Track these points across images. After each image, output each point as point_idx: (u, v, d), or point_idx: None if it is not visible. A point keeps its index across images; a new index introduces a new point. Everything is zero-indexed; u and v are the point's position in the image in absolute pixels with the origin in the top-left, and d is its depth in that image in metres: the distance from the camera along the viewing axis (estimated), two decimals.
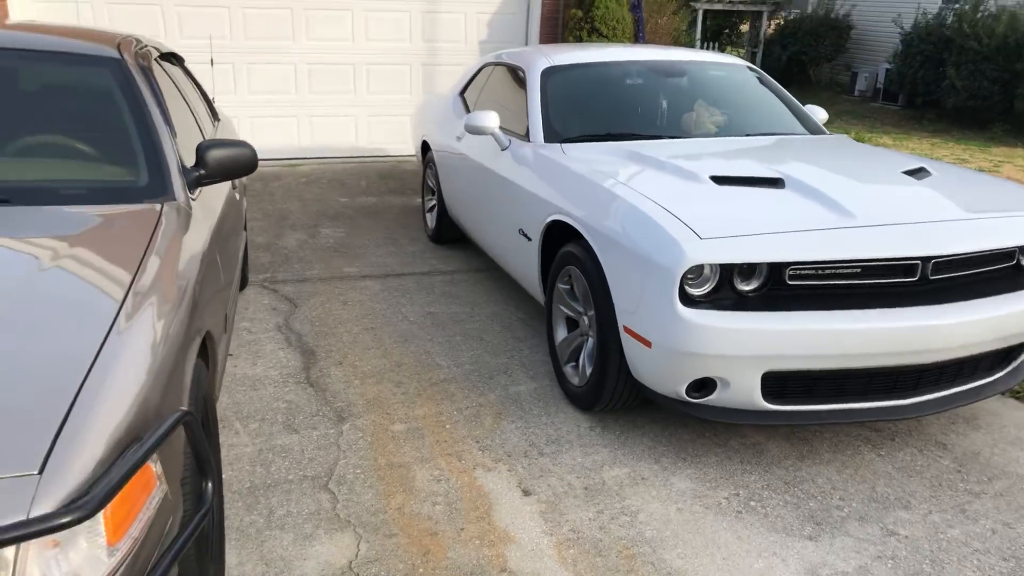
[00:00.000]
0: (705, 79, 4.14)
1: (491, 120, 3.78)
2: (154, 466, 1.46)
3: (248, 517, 2.47)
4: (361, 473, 2.72)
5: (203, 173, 2.54)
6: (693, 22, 15.90)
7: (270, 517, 2.47)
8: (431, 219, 5.53)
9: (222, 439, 2.91)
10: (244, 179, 4.29)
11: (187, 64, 5.31)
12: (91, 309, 1.62)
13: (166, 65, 3.34)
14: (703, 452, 2.88)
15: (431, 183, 5.50)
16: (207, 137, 3.47)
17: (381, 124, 8.08)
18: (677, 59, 4.20)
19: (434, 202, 5.44)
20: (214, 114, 4.10)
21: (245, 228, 4.52)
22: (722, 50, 19.71)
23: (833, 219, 2.58)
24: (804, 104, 4.38)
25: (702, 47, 17.02)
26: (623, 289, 2.71)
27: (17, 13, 6.53)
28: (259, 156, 7.70)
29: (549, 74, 3.99)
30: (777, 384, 2.60)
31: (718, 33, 20.11)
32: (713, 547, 2.35)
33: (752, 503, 2.58)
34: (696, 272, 2.52)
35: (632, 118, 3.85)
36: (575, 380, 3.17)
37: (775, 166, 3.05)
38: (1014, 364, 2.93)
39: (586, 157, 3.35)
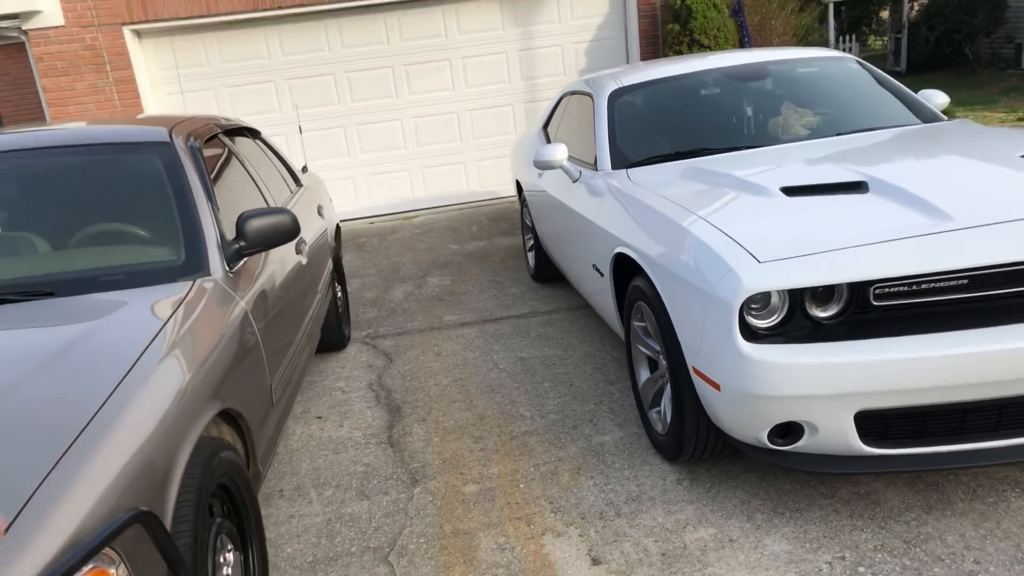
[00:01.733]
0: (793, 78, 3.74)
1: (558, 153, 3.60)
2: (113, 570, 1.39)
3: None
4: (424, 543, 2.58)
5: (243, 245, 2.55)
6: (823, 17, 14.91)
7: None
8: (531, 258, 5.40)
9: (295, 509, 2.88)
10: (332, 240, 4.37)
11: (304, 133, 5.60)
12: (76, 400, 1.60)
13: (235, 139, 3.46)
14: (805, 505, 2.49)
15: (528, 221, 5.38)
16: (282, 204, 3.55)
17: (489, 167, 8.11)
18: (760, 60, 3.83)
19: (532, 241, 5.32)
20: (296, 181, 4.21)
21: (341, 288, 4.60)
22: (861, 41, 18.36)
23: (925, 224, 2.16)
24: (920, 90, 3.84)
25: (836, 42, 15.92)
26: (686, 325, 2.42)
27: (151, 106, 7.18)
28: (376, 212, 7.99)
29: (617, 96, 3.76)
30: (878, 425, 2.19)
31: (855, 24, 18.79)
32: None
33: (860, 568, 2.17)
34: (761, 301, 2.19)
35: (706, 131, 3.53)
36: (659, 427, 2.88)
37: (861, 167, 2.64)
38: None
39: (650, 180, 3.09)
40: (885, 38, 17.44)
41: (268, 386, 2.48)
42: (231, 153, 3.25)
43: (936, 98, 3.72)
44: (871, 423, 2.18)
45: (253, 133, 3.92)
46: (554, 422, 3.31)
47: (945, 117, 3.54)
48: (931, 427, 2.20)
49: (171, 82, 7.31)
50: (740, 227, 2.33)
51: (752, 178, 2.72)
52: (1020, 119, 9.38)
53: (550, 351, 4.11)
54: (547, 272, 5.15)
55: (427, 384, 3.90)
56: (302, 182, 4.29)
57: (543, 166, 3.63)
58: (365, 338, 4.72)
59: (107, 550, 1.37)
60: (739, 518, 2.48)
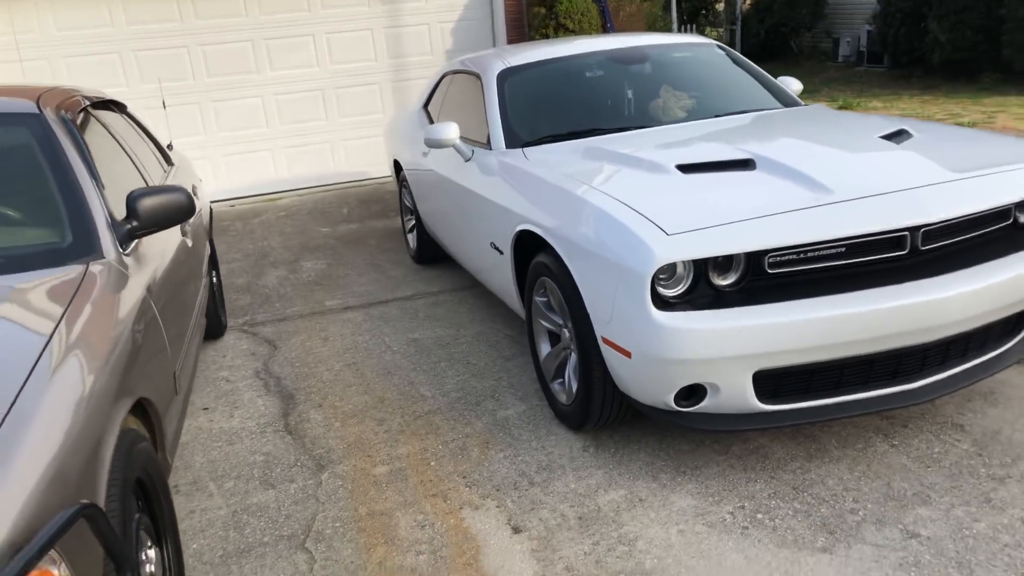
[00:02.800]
0: (669, 62, 3.95)
1: (450, 132, 3.60)
2: (55, 570, 1.29)
3: None
4: (340, 527, 2.55)
5: (136, 225, 2.38)
6: (667, 6, 15.68)
7: None
8: (412, 240, 5.36)
9: (195, 503, 2.74)
10: (207, 221, 4.14)
11: (152, 111, 5.22)
12: None
13: (102, 114, 3.19)
14: (704, 463, 2.68)
15: (407, 202, 5.34)
16: (155, 184, 3.32)
17: (358, 147, 7.93)
18: (638, 44, 4.01)
19: (413, 222, 5.28)
20: (167, 159, 3.95)
21: (215, 272, 4.38)
22: (700, 31, 19.49)
23: (809, 197, 2.38)
24: (779, 76, 4.18)
25: (680, 30, 16.81)
26: (595, 298, 2.52)
27: None
28: (236, 194, 7.61)
29: (506, 76, 3.81)
30: (771, 383, 2.40)
31: (695, 14, 19.88)
32: (719, 571, 2.16)
33: (759, 515, 2.38)
34: (668, 272, 2.33)
35: (595, 112, 3.66)
36: (563, 398, 2.98)
37: (745, 146, 2.85)
38: None
39: (548, 159, 3.17)
40: (721, 29, 18.62)
41: (172, 373, 2.34)
42: (103, 127, 3.01)
43: (793, 84, 4.06)
44: (766, 382, 2.39)
45: (119, 107, 3.63)
46: (456, 400, 3.34)
47: (802, 102, 3.88)
48: (815, 383, 2.44)
49: (9, 48, 6.56)
50: (646, 202, 2.46)
51: (647, 156, 2.87)
52: (841, 107, 10.36)
53: (442, 331, 4.13)
54: (430, 253, 5.14)
55: (318, 370, 3.80)
56: (173, 160, 4.03)
57: (434, 144, 3.62)
58: (243, 326, 4.52)
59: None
60: (645, 479, 2.63)
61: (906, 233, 2.34)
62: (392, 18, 7.66)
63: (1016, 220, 2.59)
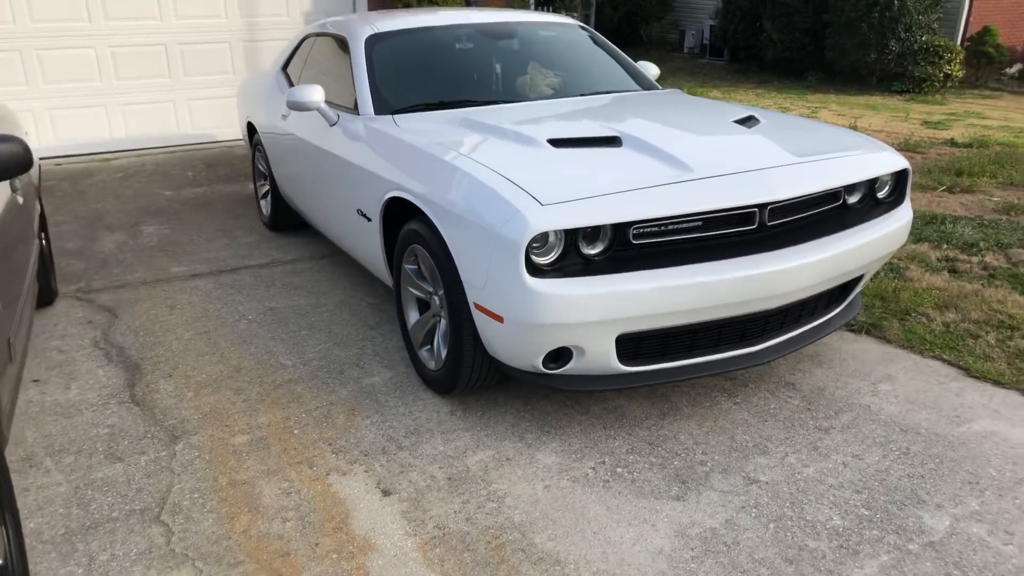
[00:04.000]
0: (537, 40, 4.02)
1: (316, 94, 3.48)
2: None
3: (64, 569, 2.14)
4: (199, 498, 2.44)
5: None
6: None
7: (91, 566, 2.15)
8: (266, 206, 5.15)
9: (29, 481, 2.52)
10: (36, 179, 3.76)
11: None
12: None
13: None
14: (566, 422, 2.80)
15: (261, 167, 5.10)
16: None
17: (204, 108, 7.46)
18: (507, 20, 4.05)
19: (267, 187, 5.06)
20: None
21: (44, 235, 4.00)
22: (555, 12, 19.92)
23: (671, 174, 2.53)
24: (638, 61, 4.37)
25: (537, 11, 17.07)
26: (469, 264, 2.55)
27: None
28: (63, 152, 6.95)
29: (374, 42, 3.73)
30: (632, 346, 2.54)
31: None
32: (583, 522, 2.27)
33: (619, 469, 2.52)
34: (541, 240, 2.40)
35: (465, 84, 3.67)
36: (431, 364, 3.00)
37: (612, 125, 2.98)
38: (848, 299, 3.05)
39: (420, 128, 3.15)
40: (576, 13, 19.11)
41: (7, 340, 2.13)
42: None
43: (651, 69, 4.26)
44: (626, 345, 2.53)
45: None
46: (318, 368, 3.27)
47: (660, 86, 4.08)
48: (671, 346, 2.61)
49: None
50: (520, 174, 2.51)
51: (520, 130, 2.92)
52: (689, 93, 10.97)
53: (301, 300, 4.01)
54: (285, 220, 4.96)
55: (166, 339, 3.58)
56: None
57: (298, 107, 3.49)
58: (76, 293, 4.16)
59: None
60: (512, 439, 2.71)
61: (755, 209, 2.55)
62: None
63: (844, 201, 2.88)
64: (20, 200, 2.90)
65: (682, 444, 2.65)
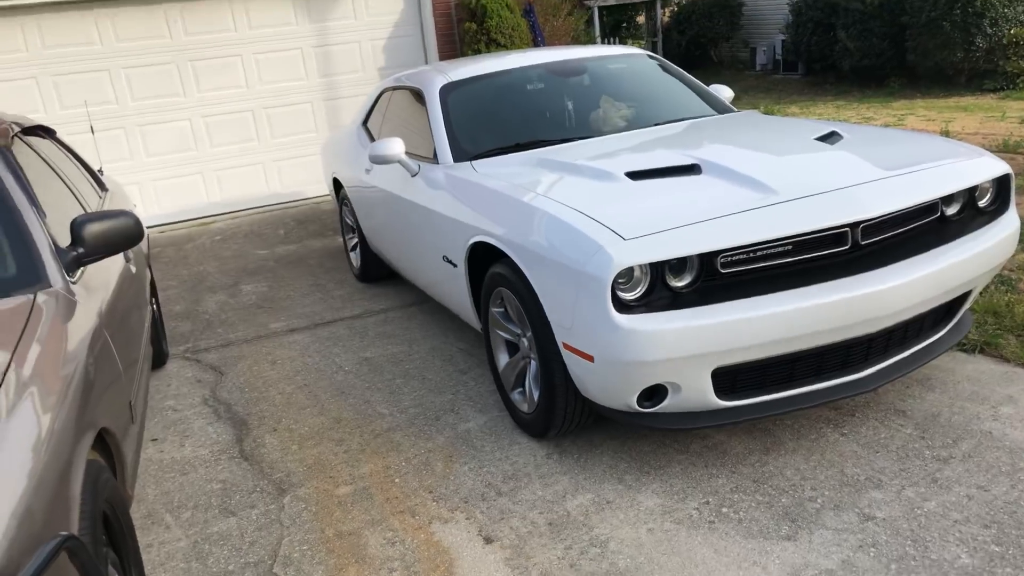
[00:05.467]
0: (606, 73, 4.04)
1: (396, 147, 3.60)
2: None
3: None
4: (308, 549, 2.50)
5: (82, 252, 2.30)
6: (590, 20, 16.02)
7: None
8: (355, 258, 5.32)
9: (152, 537, 2.65)
10: (145, 248, 4.01)
11: (72, 136, 5.04)
12: None
13: (33, 140, 3.07)
14: (666, 462, 2.74)
15: (349, 221, 5.29)
16: (90, 211, 3.21)
17: (292, 167, 7.82)
18: (574, 57, 4.10)
19: (356, 240, 5.24)
20: (100, 185, 3.82)
21: (155, 300, 4.25)
22: (623, 43, 19.98)
23: (756, 199, 2.48)
24: (711, 84, 4.33)
25: (603, 43, 17.18)
26: (556, 304, 2.56)
27: None
28: (167, 220, 7.39)
29: (448, 91, 3.83)
30: (729, 379, 2.48)
31: (616, 27, 20.36)
32: (691, 566, 2.21)
33: (724, 509, 2.45)
34: (627, 276, 2.39)
35: (539, 124, 3.72)
36: (524, 407, 3.01)
37: (689, 152, 2.95)
38: (957, 317, 2.89)
39: (498, 172, 3.21)
40: (643, 41, 19.11)
41: (128, 401, 2.26)
42: (35, 153, 2.89)
43: (724, 92, 4.21)
44: (723, 379, 2.47)
45: (48, 132, 3.50)
46: (415, 416, 3.32)
47: (735, 108, 4.02)
48: (769, 377, 2.53)
49: None
50: (601, 209, 2.51)
51: (596, 165, 2.93)
52: (765, 112, 10.76)
53: (394, 348, 4.10)
54: (374, 271, 5.11)
55: (269, 393, 3.73)
56: (106, 185, 3.90)
57: (379, 161, 3.61)
58: (185, 353, 4.39)
59: None
60: (611, 481, 2.68)
61: (847, 229, 2.46)
62: (321, 36, 7.60)
63: (942, 213, 2.75)
64: (133, 269, 3.10)
65: (788, 480, 2.55)
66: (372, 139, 4.73)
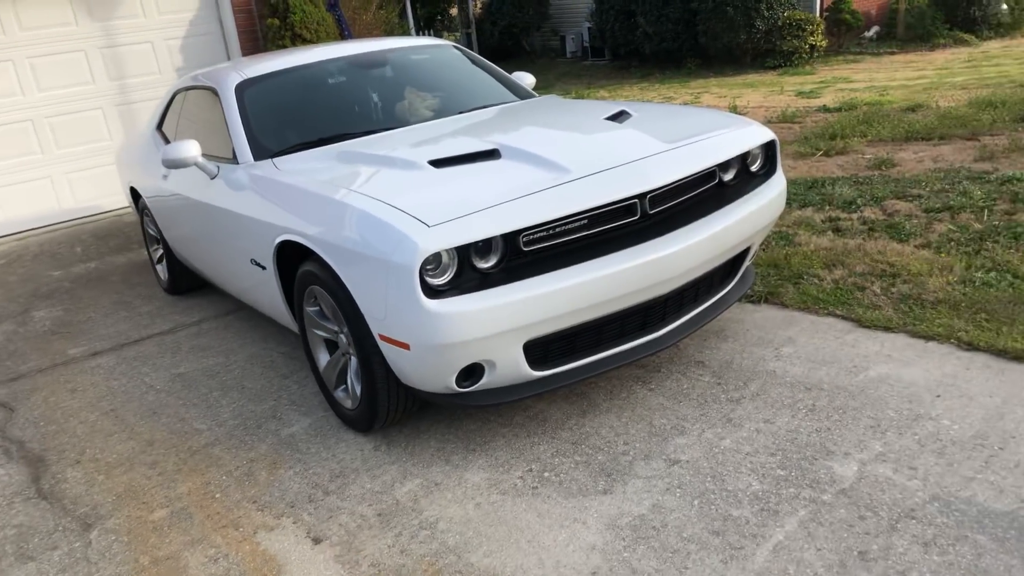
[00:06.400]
0: (410, 64, 4.05)
1: (191, 149, 3.41)
2: None
3: None
4: None
5: None
6: (403, 13, 15.93)
7: None
8: (162, 271, 4.99)
9: None
10: None
11: None
12: None
13: None
14: (491, 437, 2.81)
15: (152, 231, 4.95)
16: None
17: (85, 179, 7.18)
18: (378, 49, 4.06)
19: (161, 251, 4.91)
20: None
21: None
22: (437, 35, 20.06)
23: (551, 178, 2.59)
24: (513, 72, 4.44)
25: (418, 35, 17.16)
26: (368, 297, 2.54)
27: None
28: None
29: (244, 88, 3.68)
30: (540, 351, 2.58)
31: (431, 20, 20.40)
32: (517, 533, 2.28)
33: (546, 474, 2.55)
34: (434, 261, 2.41)
35: (343, 117, 3.66)
36: (348, 403, 2.96)
37: (490, 138, 3.02)
38: (740, 272, 3.17)
39: (300, 167, 3.12)
40: (457, 33, 19.28)
41: None
42: None
43: (526, 79, 4.34)
44: (535, 351, 2.56)
45: None
46: (235, 427, 3.18)
47: (536, 94, 4.16)
48: (578, 344, 2.65)
49: None
50: (404, 199, 2.51)
51: (400, 155, 2.93)
52: (574, 98, 11.23)
53: (210, 361, 3.90)
54: (184, 282, 4.82)
55: (70, 424, 3.42)
56: None
57: (173, 165, 3.41)
58: None
59: None
60: (439, 464, 2.71)
61: (635, 200, 2.62)
62: (107, 37, 7.02)
63: (720, 180, 3.00)
64: None
65: (604, 438, 2.69)
66: (167, 143, 4.44)
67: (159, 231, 4.71)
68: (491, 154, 2.84)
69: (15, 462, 3.16)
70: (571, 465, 2.57)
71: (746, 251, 3.12)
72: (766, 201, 3.02)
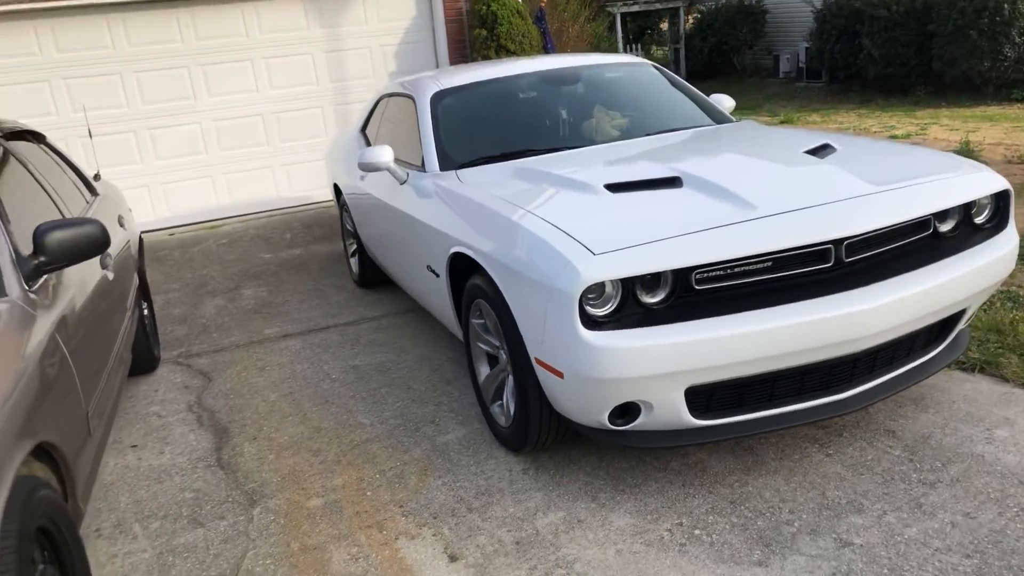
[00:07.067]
0: (602, 82, 3.97)
1: (384, 155, 3.56)
2: None
3: None
4: (272, 563, 2.46)
5: (44, 260, 2.28)
6: (612, 26, 15.93)
7: None
8: (354, 264, 5.29)
9: (117, 547, 2.62)
10: (135, 252, 4.01)
11: (90, 137, 5.09)
12: None
13: (16, 145, 3.07)
14: (643, 480, 2.66)
15: (348, 226, 5.26)
16: (77, 215, 3.20)
17: (301, 171, 7.83)
18: (570, 65, 4.03)
19: (355, 246, 5.21)
20: (91, 190, 3.82)
21: (146, 305, 4.25)
22: (646, 49, 19.86)
23: (734, 213, 2.40)
24: (712, 94, 4.23)
25: (625, 50, 17.07)
26: (527, 319, 2.49)
27: None
28: (175, 223, 7.44)
29: (439, 98, 3.79)
30: (704, 398, 2.40)
31: (640, 34, 20.24)
32: None
33: (696, 531, 2.36)
34: (597, 291, 2.32)
35: (529, 133, 3.66)
36: (502, 420, 2.94)
37: (673, 164, 2.87)
38: (951, 336, 2.77)
39: (480, 181, 3.15)
40: (666, 48, 18.97)
41: (84, 414, 2.23)
42: (15, 158, 2.89)
43: (725, 102, 4.11)
44: (698, 397, 2.38)
45: (37, 137, 3.51)
46: (395, 427, 3.27)
47: (734, 118, 3.93)
48: (747, 396, 2.44)
49: None
50: (573, 222, 2.44)
51: (577, 176, 2.86)
52: (782, 122, 10.60)
53: (383, 356, 4.06)
54: (372, 277, 5.07)
55: (254, 401, 3.70)
56: (97, 191, 3.90)
57: (368, 168, 3.58)
58: (177, 358, 4.38)
59: None
60: (584, 499, 2.60)
61: (829, 246, 2.37)
62: (332, 42, 7.61)
63: (936, 230, 2.64)
64: (110, 276, 3.08)
65: (767, 502, 2.45)
66: (368, 145, 4.70)
67: (354, 227, 4.99)
68: (672, 182, 2.69)
69: (205, 429, 3.45)
70: (726, 526, 2.36)
71: (960, 313, 2.72)
72: (991, 259, 2.62)
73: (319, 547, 2.51)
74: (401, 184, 3.68)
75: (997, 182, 2.69)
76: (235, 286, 5.67)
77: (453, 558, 2.38)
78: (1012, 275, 3.99)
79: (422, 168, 3.58)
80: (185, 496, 2.91)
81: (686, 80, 15.80)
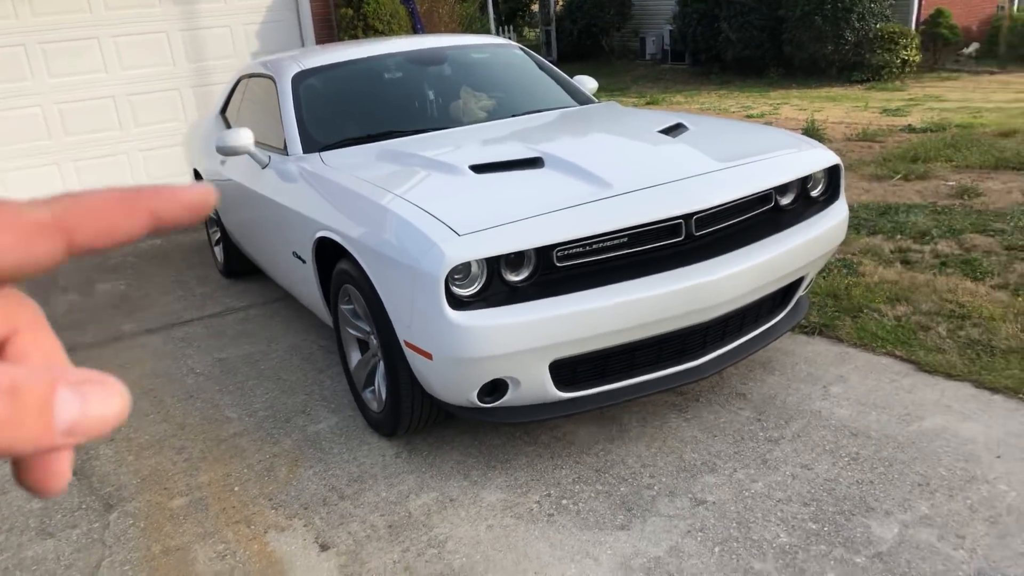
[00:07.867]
0: (468, 63, 3.98)
1: (244, 138, 3.42)
2: None
3: None
4: (130, 569, 2.34)
5: None
6: (484, 7, 15.93)
7: None
8: (219, 253, 5.07)
9: None
10: None
11: None
12: None
13: None
14: (513, 455, 2.72)
15: (212, 214, 5.03)
16: None
17: (159, 157, 7.39)
18: (437, 46, 4.01)
19: (219, 234, 4.99)
20: None
21: None
22: (518, 31, 20.00)
23: (591, 192, 2.47)
24: (575, 76, 4.32)
25: (497, 31, 17.12)
26: (395, 302, 2.48)
27: None
28: None
29: (301, 79, 3.67)
30: (568, 371, 2.47)
31: (512, 15, 20.36)
32: (525, 562, 2.19)
33: (564, 501, 2.44)
34: (463, 271, 2.33)
35: (395, 114, 3.62)
36: (374, 405, 2.92)
37: (536, 145, 2.92)
38: (793, 301, 2.99)
39: (344, 163, 3.09)
40: (537, 30, 19.17)
41: None
42: None
43: (588, 83, 4.22)
44: (563, 370, 2.45)
45: None
46: (264, 419, 3.18)
47: (597, 100, 4.04)
48: (609, 367, 2.54)
49: None
50: (437, 204, 2.44)
51: (442, 158, 2.87)
52: (648, 103, 10.98)
53: (251, 348, 3.93)
54: (238, 266, 4.89)
55: None
56: None
57: (227, 152, 3.43)
58: None
59: None
60: (457, 478, 2.63)
61: (680, 221, 2.49)
62: (188, 20, 7.20)
63: (777, 203, 2.83)
64: None
65: (630, 468, 2.57)
66: (228, 128, 4.50)
67: (217, 214, 4.78)
68: (534, 162, 2.74)
69: None
70: (591, 494, 2.46)
71: (800, 280, 2.93)
72: (825, 229, 2.83)
73: (183, 548, 2.42)
74: (263, 168, 3.55)
75: (830, 158, 2.90)
76: (89, 281, 5.31)
77: (324, 547, 2.35)
78: (847, 244, 4.34)
79: (284, 151, 3.47)
80: (32, 507, 2.72)
81: (557, 62, 16.08)
